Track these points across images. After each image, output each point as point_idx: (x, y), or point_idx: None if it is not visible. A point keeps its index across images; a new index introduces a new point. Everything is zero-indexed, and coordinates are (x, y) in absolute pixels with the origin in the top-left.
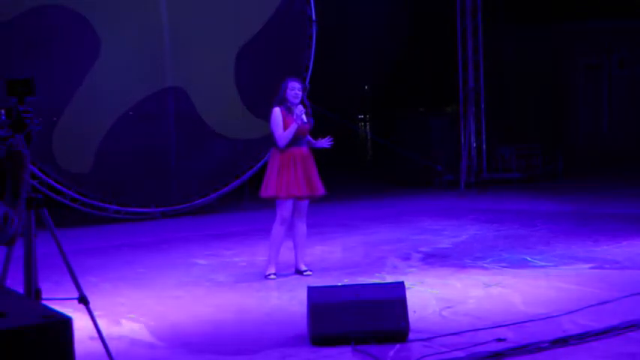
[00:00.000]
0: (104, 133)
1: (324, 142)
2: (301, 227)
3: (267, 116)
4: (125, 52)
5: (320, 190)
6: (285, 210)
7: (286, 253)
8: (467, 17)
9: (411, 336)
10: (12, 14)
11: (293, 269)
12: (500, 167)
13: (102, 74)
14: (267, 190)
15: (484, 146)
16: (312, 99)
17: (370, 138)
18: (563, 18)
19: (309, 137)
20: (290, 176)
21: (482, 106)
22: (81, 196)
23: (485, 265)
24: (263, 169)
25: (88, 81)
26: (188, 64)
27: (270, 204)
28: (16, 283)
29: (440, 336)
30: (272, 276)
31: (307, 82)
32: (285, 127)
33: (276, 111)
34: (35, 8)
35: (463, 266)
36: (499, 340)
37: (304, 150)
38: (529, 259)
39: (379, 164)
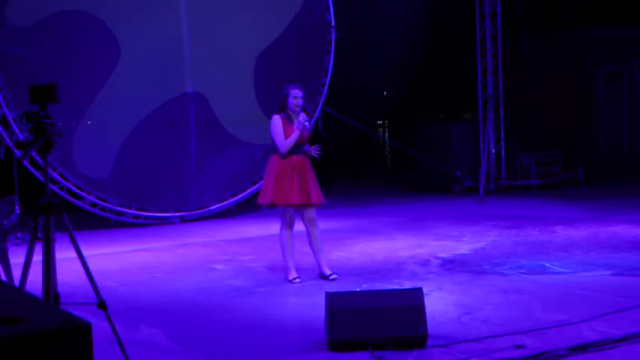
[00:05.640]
0: (123, 139)
1: (313, 151)
2: (314, 233)
3: None
4: (145, 58)
5: (316, 198)
6: (286, 216)
7: (305, 259)
8: (486, 23)
9: (430, 342)
10: (34, 20)
11: (314, 275)
12: (519, 174)
13: (121, 80)
14: (266, 197)
15: (503, 153)
16: (331, 104)
17: (389, 144)
18: (583, 25)
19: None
20: (287, 184)
21: (502, 112)
22: (100, 201)
23: (504, 271)
24: None
25: (108, 86)
26: (207, 70)
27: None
28: (34, 287)
29: (458, 342)
30: (296, 280)
31: (326, 87)
32: (286, 136)
33: (276, 118)
34: (56, 14)
35: (482, 272)
36: (518, 347)
37: (302, 158)
38: (548, 265)
39: (398, 170)
